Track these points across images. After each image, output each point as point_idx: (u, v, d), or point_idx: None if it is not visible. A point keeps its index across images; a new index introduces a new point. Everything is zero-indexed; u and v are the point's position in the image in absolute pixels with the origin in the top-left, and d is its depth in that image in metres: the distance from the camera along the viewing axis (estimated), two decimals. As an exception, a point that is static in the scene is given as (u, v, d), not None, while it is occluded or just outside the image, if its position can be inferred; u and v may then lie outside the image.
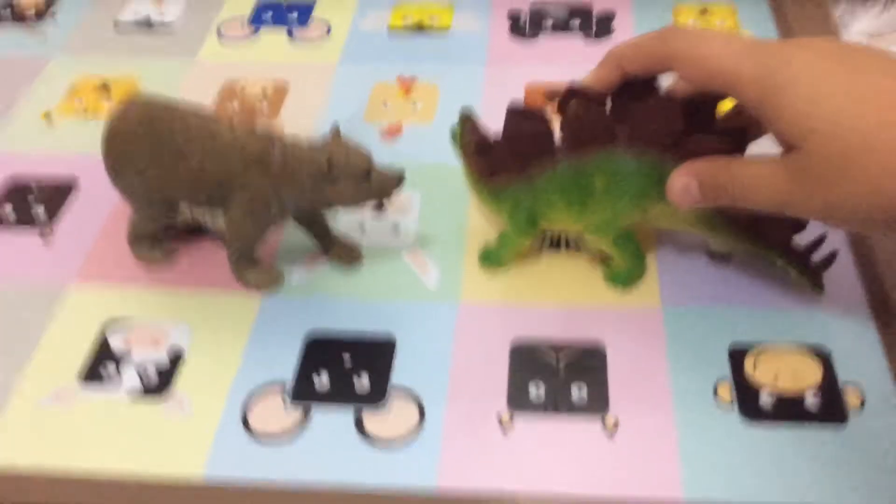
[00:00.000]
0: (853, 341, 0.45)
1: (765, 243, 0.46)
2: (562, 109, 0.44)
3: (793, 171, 0.37)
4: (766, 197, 0.38)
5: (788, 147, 0.37)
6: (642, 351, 0.45)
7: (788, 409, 0.42)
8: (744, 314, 0.46)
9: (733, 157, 0.40)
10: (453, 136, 0.47)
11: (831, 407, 0.42)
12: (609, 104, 0.44)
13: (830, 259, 0.46)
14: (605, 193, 0.45)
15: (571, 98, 0.43)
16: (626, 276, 0.48)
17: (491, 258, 0.49)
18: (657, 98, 0.43)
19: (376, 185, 0.44)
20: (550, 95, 0.44)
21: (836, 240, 0.49)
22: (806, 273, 0.46)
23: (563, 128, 0.44)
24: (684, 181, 0.41)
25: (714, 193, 0.40)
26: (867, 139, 0.34)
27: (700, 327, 0.46)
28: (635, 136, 0.43)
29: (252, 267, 0.48)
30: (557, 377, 0.44)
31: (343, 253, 0.49)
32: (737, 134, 0.43)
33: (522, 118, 0.45)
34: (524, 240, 0.48)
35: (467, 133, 0.47)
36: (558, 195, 0.45)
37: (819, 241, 0.46)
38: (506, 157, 0.45)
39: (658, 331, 0.46)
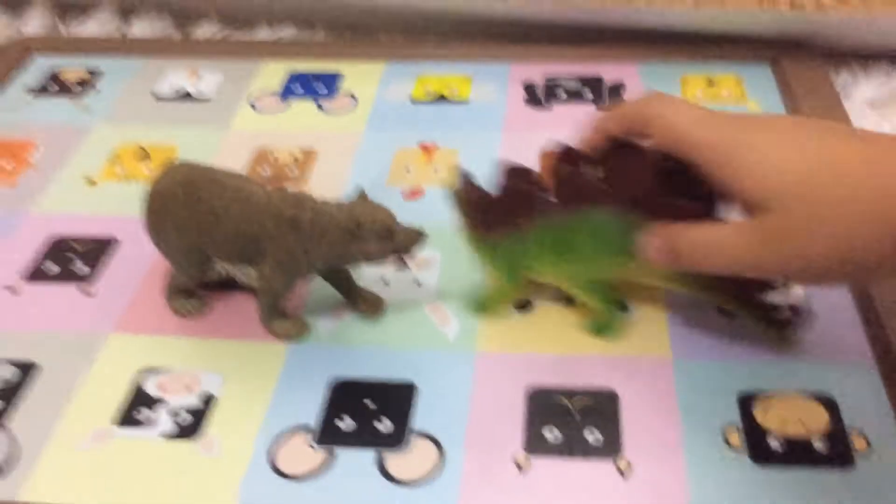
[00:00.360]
0: (858, 388, 0.46)
1: (730, 298, 0.48)
2: (551, 169, 0.47)
3: (762, 232, 0.38)
4: (728, 260, 0.40)
5: (751, 210, 0.39)
6: (654, 397, 0.46)
7: (797, 453, 0.43)
8: (752, 364, 0.48)
9: (693, 223, 0.42)
10: (452, 196, 0.50)
11: (838, 451, 0.43)
12: (597, 165, 0.46)
13: (796, 313, 0.48)
14: (587, 249, 0.47)
15: (560, 159, 0.47)
16: (602, 325, 0.50)
17: (479, 306, 0.52)
18: (629, 156, 0.45)
19: (399, 242, 0.47)
20: (541, 156, 0.47)
21: (839, 290, 0.51)
22: (770, 326, 0.48)
23: (552, 186, 0.47)
24: (647, 243, 0.43)
25: (671, 257, 0.42)
26: (834, 194, 0.36)
27: (709, 376, 0.47)
28: (611, 192, 0.45)
29: (280, 318, 0.50)
30: (572, 421, 0.45)
31: (367, 304, 0.52)
32: (709, 198, 0.44)
33: (512, 176, 0.48)
34: (513, 290, 0.51)
35: (464, 192, 0.49)
36: (546, 249, 0.48)
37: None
38: (498, 213, 0.48)
39: (668, 379, 0.47)
